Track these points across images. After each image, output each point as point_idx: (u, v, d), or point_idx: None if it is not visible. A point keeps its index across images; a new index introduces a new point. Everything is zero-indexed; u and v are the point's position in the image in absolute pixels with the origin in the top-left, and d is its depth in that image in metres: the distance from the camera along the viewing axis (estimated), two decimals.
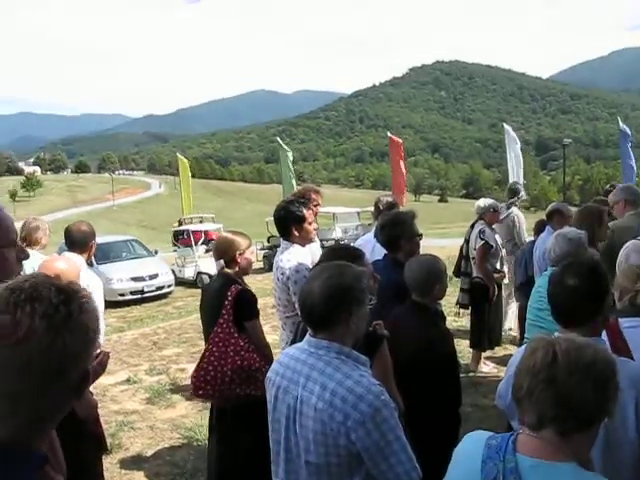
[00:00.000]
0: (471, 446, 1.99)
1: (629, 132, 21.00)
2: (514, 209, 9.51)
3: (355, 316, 2.55)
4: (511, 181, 25.74)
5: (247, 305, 4.52)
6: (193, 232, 24.20)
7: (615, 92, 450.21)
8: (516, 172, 26.34)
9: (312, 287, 2.56)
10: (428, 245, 16.48)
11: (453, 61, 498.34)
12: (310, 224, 5.06)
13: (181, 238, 26.17)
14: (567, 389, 1.79)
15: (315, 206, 5.92)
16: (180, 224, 29.02)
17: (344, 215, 29.31)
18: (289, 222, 5.03)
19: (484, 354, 8.40)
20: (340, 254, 3.45)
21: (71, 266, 4.25)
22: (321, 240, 8.18)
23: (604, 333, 3.25)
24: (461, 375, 7.90)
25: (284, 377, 2.66)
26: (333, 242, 23.31)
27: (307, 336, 2.68)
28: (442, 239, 28.69)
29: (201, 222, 29.92)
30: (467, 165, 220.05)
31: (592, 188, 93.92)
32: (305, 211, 5.03)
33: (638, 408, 2.82)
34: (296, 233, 4.99)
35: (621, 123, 21.77)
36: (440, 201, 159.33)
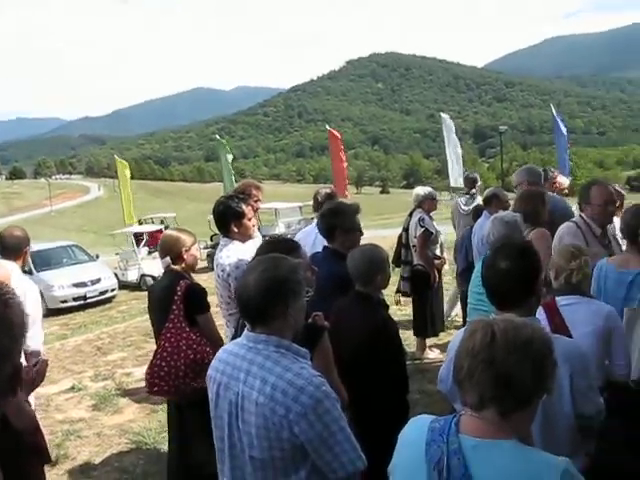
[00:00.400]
0: (415, 430, 2.00)
1: (560, 117, 21.46)
2: (479, 198, 9.48)
3: (292, 309, 2.54)
4: (451, 170, 26.04)
5: (197, 299, 4.50)
6: (150, 234, 24.01)
7: (548, 79, 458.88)
8: (455, 161, 26.65)
9: (247, 281, 2.54)
10: (370, 236, 16.37)
11: (389, 53, 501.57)
12: (249, 220, 5.02)
13: (141, 239, 26.02)
14: (506, 369, 1.81)
15: (256, 201, 5.87)
16: (140, 224, 28.77)
17: (286, 210, 29.24)
18: (228, 218, 4.99)
19: (429, 341, 8.48)
20: (276, 247, 3.44)
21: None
22: (264, 236, 8.08)
23: (541, 312, 3.32)
24: (407, 363, 7.99)
25: (224, 374, 2.63)
26: None
27: (245, 331, 2.66)
28: (384, 229, 28.88)
29: (162, 222, 29.73)
30: (407, 156, 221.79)
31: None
32: (244, 207, 4.98)
33: (573, 383, 2.91)
34: (235, 229, 4.95)
35: (553, 109, 22.24)
36: (382, 192, 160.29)
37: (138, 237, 26.46)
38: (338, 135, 20.95)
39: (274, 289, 2.49)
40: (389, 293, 8.33)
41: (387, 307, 4.34)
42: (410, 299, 8.75)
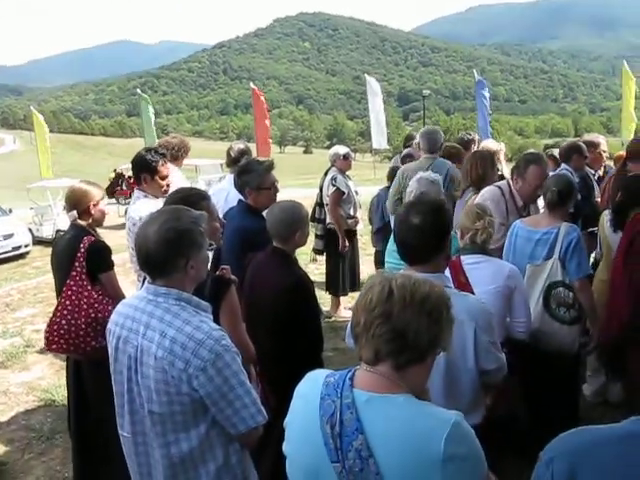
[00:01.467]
0: (309, 385, 1.99)
1: (484, 82, 21.72)
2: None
3: (193, 261, 2.49)
4: (374, 132, 26.05)
5: (100, 256, 4.35)
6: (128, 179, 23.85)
7: (473, 46, 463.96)
8: (378, 123, 26.68)
9: (147, 232, 2.46)
10: (292, 196, 16.36)
11: (317, 13, 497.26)
12: (162, 178, 4.93)
13: (118, 189, 25.55)
14: (402, 323, 1.81)
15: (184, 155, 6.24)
16: (118, 177, 28.32)
17: (207, 167, 28.82)
18: (140, 170, 4.91)
19: (345, 299, 8.55)
20: (183, 197, 3.39)
21: None
22: None
23: (447, 270, 3.36)
24: (322, 321, 8.04)
25: (123, 327, 2.56)
26: None
27: (146, 283, 2.59)
28: (306, 189, 28.86)
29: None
30: (331, 116, 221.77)
31: (451, 138, 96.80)
32: (160, 163, 4.89)
33: (476, 339, 2.98)
34: (145, 183, 4.87)
35: (477, 75, 22.48)
36: (305, 152, 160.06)
37: (115, 187, 26.12)
38: (262, 94, 20.78)
39: (174, 240, 2.43)
40: (306, 251, 8.35)
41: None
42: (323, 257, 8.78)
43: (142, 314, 2.50)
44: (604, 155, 7.66)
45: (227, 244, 4.51)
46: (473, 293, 3.52)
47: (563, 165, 6.96)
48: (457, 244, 4.00)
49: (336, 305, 8.49)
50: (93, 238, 4.38)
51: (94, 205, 4.53)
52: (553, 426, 4.40)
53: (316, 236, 8.66)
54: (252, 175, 4.76)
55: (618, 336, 3.53)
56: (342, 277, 8.42)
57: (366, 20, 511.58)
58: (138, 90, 25.45)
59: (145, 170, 4.87)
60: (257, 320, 3.71)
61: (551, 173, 5.71)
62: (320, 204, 8.56)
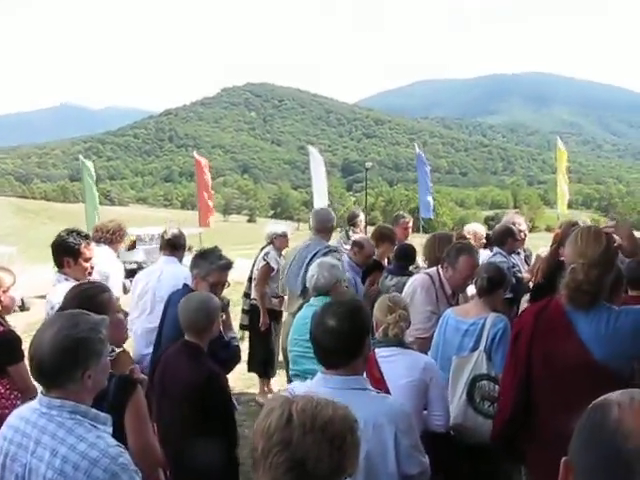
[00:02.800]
0: None
1: (423, 156, 22.19)
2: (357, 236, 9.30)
3: (92, 370, 2.34)
4: (316, 202, 26.22)
5: (9, 347, 4.11)
6: None
7: (415, 119, 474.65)
8: (321, 193, 26.88)
9: (42, 339, 2.31)
10: (237, 265, 16.20)
11: (263, 83, 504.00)
12: (86, 260, 4.82)
13: None
14: (302, 451, 1.70)
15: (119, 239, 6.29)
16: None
17: (147, 236, 28.52)
18: (62, 253, 4.80)
19: (276, 380, 8.35)
20: (80, 291, 3.33)
21: None
22: (123, 262, 7.70)
23: None
24: (251, 404, 7.83)
25: (12, 442, 2.36)
26: (135, 265, 22.63)
27: (39, 394, 2.41)
28: (249, 259, 28.63)
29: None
30: (276, 186, 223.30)
31: (394, 209, 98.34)
32: (82, 245, 4.79)
33: (397, 443, 2.88)
34: (67, 267, 4.74)
35: (417, 148, 22.95)
36: (249, 221, 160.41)
37: None
38: (204, 162, 20.75)
39: (71, 349, 2.28)
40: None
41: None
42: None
43: (33, 428, 2.31)
44: (523, 235, 7.69)
45: (169, 329, 4.43)
46: (387, 387, 3.50)
47: (496, 249, 7.00)
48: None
49: (262, 388, 8.24)
50: (2, 328, 4.16)
51: (4, 292, 4.32)
52: None
53: (243, 311, 8.66)
54: (205, 264, 4.76)
55: (502, 431, 3.52)
56: (262, 357, 8.24)
57: (312, 92, 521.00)
58: (80, 156, 25.28)
59: (67, 253, 4.74)
60: (168, 419, 3.58)
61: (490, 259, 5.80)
62: (250, 279, 8.55)
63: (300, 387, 3.09)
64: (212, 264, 4.76)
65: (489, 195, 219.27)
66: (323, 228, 6.76)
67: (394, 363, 3.79)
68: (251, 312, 8.38)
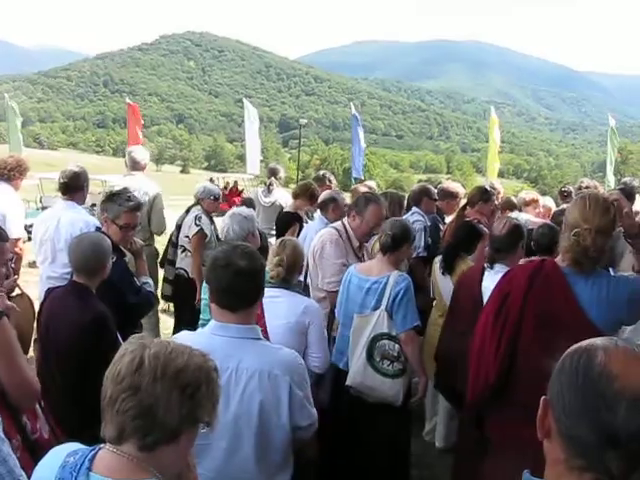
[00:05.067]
0: (48, 463, 1.80)
1: (358, 117, 22.17)
2: (278, 190, 9.30)
3: None
4: (249, 156, 25.97)
5: None
6: None
7: (355, 79, 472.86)
8: (254, 148, 26.61)
9: None
10: (169, 217, 15.96)
11: (204, 33, 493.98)
12: None
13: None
14: (150, 398, 1.68)
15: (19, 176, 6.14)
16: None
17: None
18: None
19: None
20: None
21: None
22: (43, 207, 7.37)
23: None
24: None
25: None
26: None
27: None
28: (182, 210, 28.18)
29: None
30: (211, 137, 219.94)
31: (328, 167, 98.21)
32: None
33: (291, 394, 2.93)
34: None
35: (353, 109, 22.91)
36: (182, 172, 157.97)
37: None
38: (137, 110, 20.32)
39: None
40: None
41: None
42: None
43: None
44: (458, 206, 7.88)
45: None
46: (265, 326, 3.60)
47: (414, 208, 7.08)
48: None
49: None
50: None
51: None
52: (384, 475, 4.46)
53: (165, 280, 7.62)
54: (114, 206, 4.68)
55: (480, 399, 3.49)
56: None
57: (252, 44, 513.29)
58: (6, 95, 24.41)
59: None
60: (53, 359, 3.53)
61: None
62: (175, 244, 7.43)
63: (184, 336, 3.09)
64: (121, 206, 4.67)
65: (423, 159, 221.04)
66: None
67: (277, 304, 3.90)
68: (176, 282, 7.38)
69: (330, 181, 8.63)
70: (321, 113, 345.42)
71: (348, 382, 4.41)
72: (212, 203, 7.51)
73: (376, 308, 4.37)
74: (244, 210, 5.31)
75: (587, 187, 8.01)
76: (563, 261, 3.25)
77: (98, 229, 4.79)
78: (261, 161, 27.35)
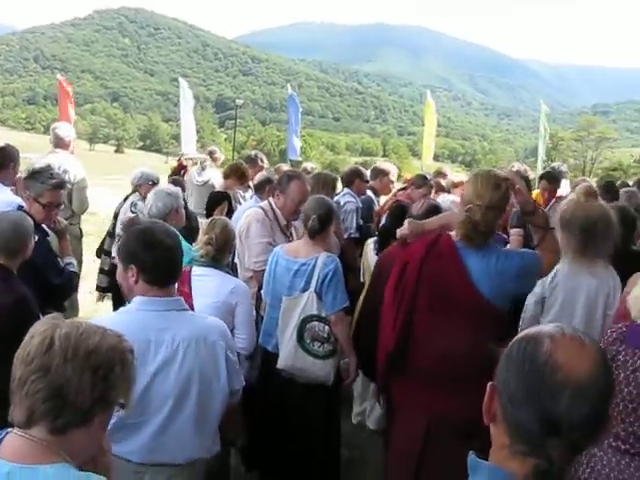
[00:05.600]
0: None
1: (295, 98, 22.07)
2: (211, 170, 9.25)
3: None
4: (184, 136, 25.70)
5: None
6: None
7: (293, 60, 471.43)
8: (188, 128, 26.32)
9: None
10: (104, 196, 15.71)
11: (139, 9, 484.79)
12: None
13: None
14: (61, 379, 1.63)
15: None
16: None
17: None
18: None
19: None
20: None
21: None
22: None
23: None
24: None
25: None
26: None
27: None
28: (117, 189, 27.51)
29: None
30: (146, 117, 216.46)
31: (264, 148, 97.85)
32: None
33: (227, 359, 3.03)
34: None
35: (290, 89, 22.81)
36: (116, 152, 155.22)
37: None
38: (68, 87, 19.82)
39: None
40: (89, 290, 7.79)
41: None
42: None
43: None
44: (392, 184, 8.01)
45: None
46: (192, 305, 3.63)
47: (346, 189, 7.12)
48: (193, 254, 4.13)
49: None
50: None
51: None
52: (315, 456, 4.48)
53: (101, 271, 7.23)
54: (36, 184, 4.55)
55: (382, 367, 3.62)
56: None
57: (189, 23, 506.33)
58: None
59: None
60: None
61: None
62: (112, 234, 6.99)
63: (109, 317, 3.08)
64: (43, 183, 4.55)
65: (360, 142, 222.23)
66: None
67: (206, 283, 3.98)
68: (112, 273, 6.26)
69: (262, 161, 8.69)
70: (258, 94, 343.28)
71: (280, 365, 4.39)
72: (151, 188, 6.57)
73: (305, 290, 4.36)
74: (169, 187, 5.24)
75: (517, 171, 8.16)
76: (457, 236, 3.39)
77: (20, 208, 4.64)
78: (197, 141, 27.06)
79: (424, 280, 3.40)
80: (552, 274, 4.03)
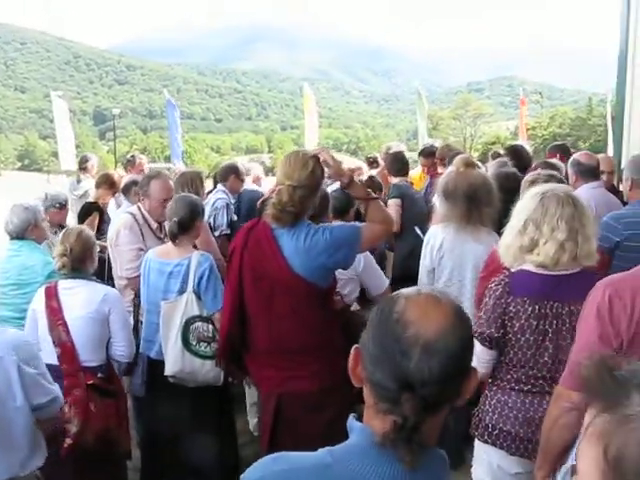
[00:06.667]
0: None
1: (173, 103, 21.76)
2: (87, 181, 9.03)
3: None
4: (61, 152, 24.99)
5: None
6: None
7: (169, 66, 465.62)
8: (67, 142, 25.60)
9: None
10: None
11: (3, 24, 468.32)
12: None
13: None
14: None
15: None
16: None
17: None
18: None
19: None
20: None
21: None
22: None
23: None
24: None
25: None
26: None
27: None
28: None
29: None
30: (22, 136, 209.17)
31: (149, 156, 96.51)
32: None
33: (21, 373, 2.88)
34: None
35: (167, 94, 22.48)
36: None
37: None
38: None
39: None
40: None
41: None
42: None
43: None
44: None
45: None
46: (64, 318, 3.67)
47: (219, 185, 7.07)
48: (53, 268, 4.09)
49: None
50: None
51: None
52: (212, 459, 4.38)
53: None
54: None
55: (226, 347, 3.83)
56: None
57: (57, 35, 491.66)
58: None
59: None
60: None
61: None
62: None
63: None
64: None
65: (244, 140, 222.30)
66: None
67: (74, 295, 3.90)
68: None
69: (142, 161, 8.66)
70: (136, 102, 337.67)
71: (168, 372, 4.27)
72: (57, 213, 6.42)
73: (182, 291, 4.26)
74: (27, 201, 5.04)
75: (394, 152, 8.28)
76: (267, 217, 3.48)
77: None
78: (76, 156, 26.33)
79: (246, 265, 3.53)
80: (438, 244, 4.31)
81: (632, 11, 9.20)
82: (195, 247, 4.52)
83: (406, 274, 5.48)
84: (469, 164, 4.51)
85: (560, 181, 4.39)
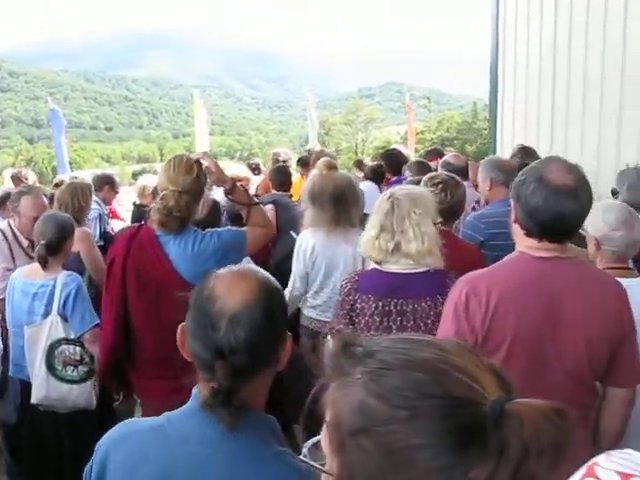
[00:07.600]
0: None
1: (58, 111, 21.11)
2: None
3: None
4: None
5: None
6: None
7: (55, 73, 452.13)
8: None
9: None
10: None
11: None
12: None
13: None
14: None
15: None
16: None
17: None
18: None
19: None
20: None
21: None
22: None
23: None
24: None
25: None
26: None
27: None
28: None
29: None
30: None
31: (36, 167, 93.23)
32: None
33: None
34: None
35: (51, 102, 21.79)
36: None
37: None
38: None
39: None
40: None
41: None
42: None
43: None
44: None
45: None
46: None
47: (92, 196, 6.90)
48: None
49: None
50: None
51: None
52: None
53: None
54: None
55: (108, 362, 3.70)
56: None
57: None
58: None
59: None
60: None
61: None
62: None
63: None
64: None
65: (135, 149, 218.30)
66: None
67: None
68: None
69: (27, 178, 8.22)
70: (21, 110, 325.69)
71: (34, 400, 4.11)
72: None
73: (47, 314, 4.10)
74: None
75: (278, 166, 8.34)
76: (153, 223, 3.42)
77: None
78: None
79: (130, 272, 3.43)
80: (310, 248, 4.36)
81: (500, 20, 9.61)
82: (63, 267, 4.32)
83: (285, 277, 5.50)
84: (331, 166, 4.58)
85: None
